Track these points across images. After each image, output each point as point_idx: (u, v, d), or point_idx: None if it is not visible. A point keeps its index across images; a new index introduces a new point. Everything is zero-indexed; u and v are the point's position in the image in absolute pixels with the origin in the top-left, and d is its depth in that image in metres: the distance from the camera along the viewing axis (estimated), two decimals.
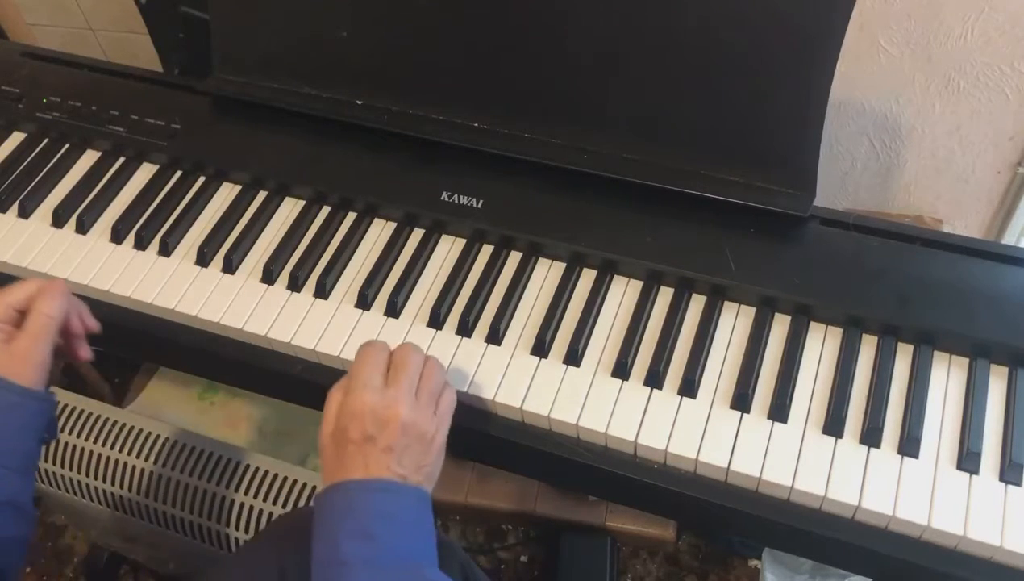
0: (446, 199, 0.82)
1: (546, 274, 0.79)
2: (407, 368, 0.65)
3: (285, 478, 1.06)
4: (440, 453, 0.65)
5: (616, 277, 0.78)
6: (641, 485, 0.69)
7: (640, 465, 0.70)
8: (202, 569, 1.12)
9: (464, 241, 0.82)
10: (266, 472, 1.07)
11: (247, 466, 1.07)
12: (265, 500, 1.05)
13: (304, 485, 1.06)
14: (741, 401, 0.69)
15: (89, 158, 0.93)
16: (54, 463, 1.11)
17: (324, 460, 0.64)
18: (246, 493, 1.05)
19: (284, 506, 1.04)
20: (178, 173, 0.90)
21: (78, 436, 1.11)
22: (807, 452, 0.67)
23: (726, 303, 0.76)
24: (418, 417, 0.63)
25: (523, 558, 1.34)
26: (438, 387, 0.66)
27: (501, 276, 0.79)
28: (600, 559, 1.24)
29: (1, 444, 0.65)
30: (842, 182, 1.11)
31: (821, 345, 0.73)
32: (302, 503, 1.04)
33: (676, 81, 0.76)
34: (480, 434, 0.72)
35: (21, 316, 0.68)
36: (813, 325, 0.74)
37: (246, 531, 1.04)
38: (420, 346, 0.68)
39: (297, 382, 0.77)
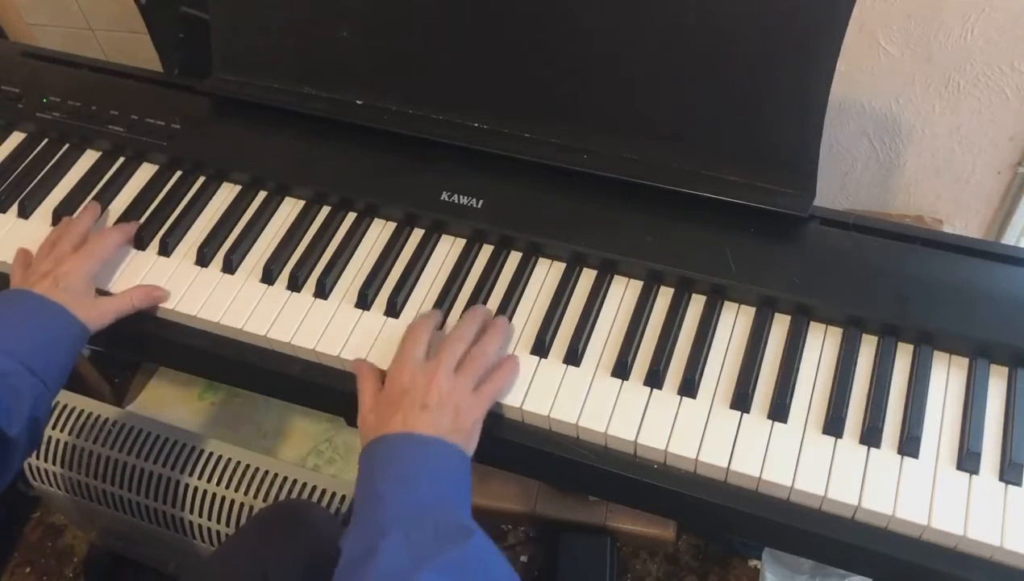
0: (446, 199, 0.82)
1: (546, 274, 0.79)
2: (451, 345, 0.70)
3: (285, 478, 1.07)
4: (476, 428, 0.68)
5: (616, 277, 0.78)
6: (641, 485, 0.69)
7: (640, 465, 0.70)
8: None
9: (464, 241, 0.82)
10: (266, 472, 1.07)
11: (247, 466, 1.07)
12: (265, 500, 1.05)
13: (304, 485, 1.06)
14: (741, 401, 0.69)
15: (89, 158, 0.93)
16: (54, 463, 1.11)
17: (366, 430, 0.68)
18: (246, 493, 1.06)
19: None
20: (178, 173, 0.90)
21: (78, 436, 1.11)
22: (807, 452, 0.67)
23: (726, 303, 0.76)
24: (455, 389, 0.67)
25: (523, 558, 1.34)
26: (481, 369, 0.70)
27: (501, 276, 0.79)
28: (600, 559, 1.25)
29: (58, 373, 0.73)
30: (842, 182, 1.11)
31: (821, 345, 0.73)
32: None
33: (676, 81, 0.76)
34: (480, 434, 0.72)
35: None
36: (813, 325, 0.74)
37: None
38: (473, 326, 0.72)
39: (297, 382, 0.77)
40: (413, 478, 0.63)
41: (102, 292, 0.81)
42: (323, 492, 1.04)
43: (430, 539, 0.58)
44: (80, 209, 0.87)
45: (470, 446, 0.68)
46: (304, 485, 1.06)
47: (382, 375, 0.72)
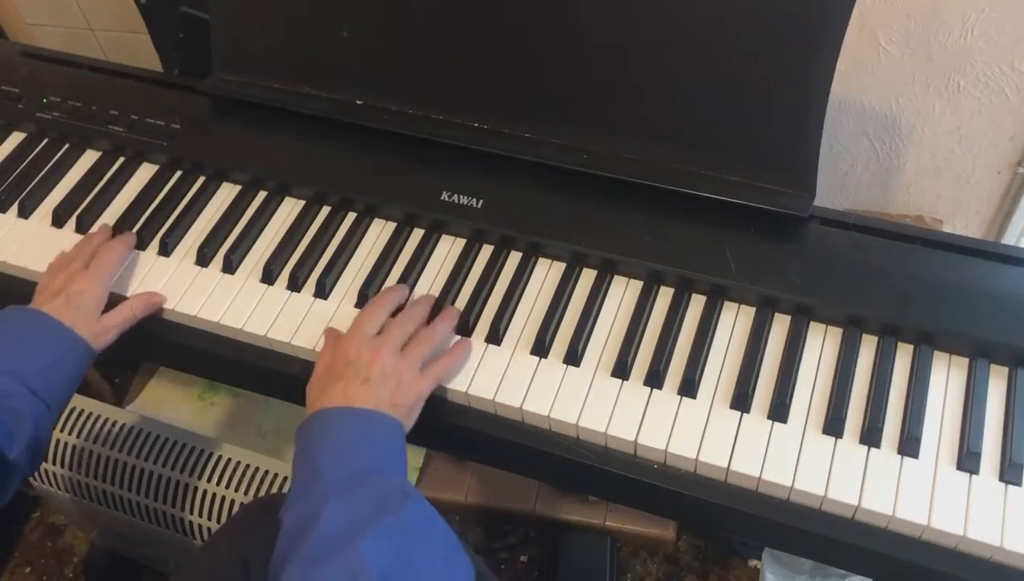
0: (446, 199, 0.82)
1: (546, 274, 0.79)
2: (400, 324, 0.72)
3: (285, 478, 1.06)
4: (416, 405, 0.70)
5: (616, 277, 0.78)
6: (641, 485, 0.69)
7: (640, 465, 0.70)
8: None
9: (464, 241, 0.82)
10: (266, 472, 1.07)
11: (247, 466, 1.07)
12: None
13: None
14: (741, 401, 0.69)
15: (89, 158, 0.93)
16: (54, 463, 1.11)
17: (309, 400, 0.69)
18: (245, 493, 1.06)
19: None
20: (178, 173, 0.90)
21: (78, 436, 1.11)
22: (807, 452, 0.67)
23: (726, 303, 0.76)
24: (400, 366, 0.69)
25: (523, 558, 1.34)
26: (428, 350, 0.72)
27: (501, 276, 0.79)
28: (600, 559, 1.25)
29: (62, 392, 0.74)
30: (842, 182, 1.11)
31: (821, 345, 0.73)
32: None
33: (676, 81, 0.76)
34: (480, 434, 0.72)
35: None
36: (813, 325, 0.74)
37: None
38: (423, 309, 0.75)
39: (297, 382, 0.77)
40: (350, 448, 0.64)
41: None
42: None
43: (370, 505, 0.59)
44: (94, 226, 0.87)
45: (408, 421, 0.69)
46: None
47: None
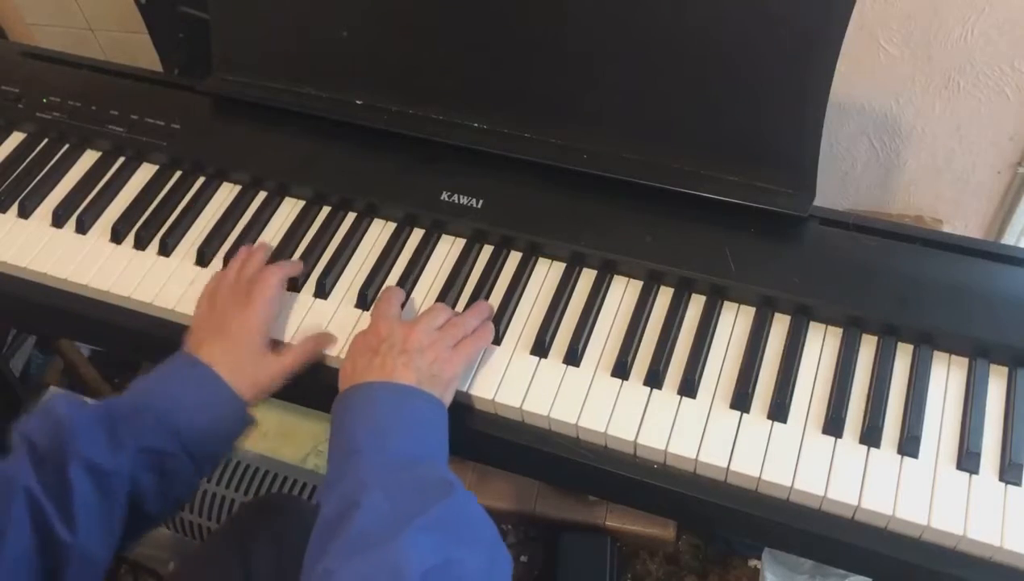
0: (446, 199, 0.82)
1: (546, 274, 0.79)
2: (434, 310, 0.72)
3: (285, 478, 1.06)
4: (454, 380, 0.70)
5: (616, 277, 0.78)
6: (641, 485, 0.69)
7: (640, 465, 0.70)
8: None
9: (464, 241, 0.82)
10: (266, 472, 1.07)
11: (247, 466, 1.07)
12: None
13: (304, 485, 1.06)
14: (741, 401, 0.69)
15: (89, 158, 0.93)
16: None
17: (343, 378, 0.68)
18: (246, 493, 1.06)
19: None
20: (178, 173, 0.90)
21: None
22: (807, 452, 0.67)
23: (726, 303, 0.76)
24: (435, 342, 0.69)
25: (523, 558, 1.34)
26: (460, 335, 0.72)
27: (501, 276, 0.79)
28: (600, 559, 1.25)
29: (214, 459, 0.70)
30: (842, 182, 1.11)
31: (821, 345, 0.73)
32: None
33: (676, 81, 0.76)
34: (480, 434, 0.72)
35: None
36: (813, 325, 0.74)
37: None
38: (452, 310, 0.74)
39: (297, 381, 0.77)
40: (391, 431, 0.62)
41: None
42: None
43: (412, 496, 0.57)
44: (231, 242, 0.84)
45: (446, 398, 0.68)
46: (304, 485, 1.06)
47: None
